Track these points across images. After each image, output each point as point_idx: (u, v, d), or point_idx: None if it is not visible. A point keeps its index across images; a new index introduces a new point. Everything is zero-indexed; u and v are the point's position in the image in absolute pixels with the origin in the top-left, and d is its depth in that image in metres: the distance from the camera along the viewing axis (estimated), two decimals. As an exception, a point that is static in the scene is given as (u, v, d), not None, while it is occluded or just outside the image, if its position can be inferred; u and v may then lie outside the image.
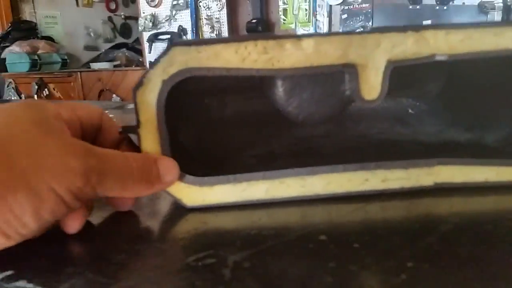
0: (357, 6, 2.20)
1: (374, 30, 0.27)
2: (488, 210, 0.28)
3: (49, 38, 3.42)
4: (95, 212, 0.29)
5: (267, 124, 0.39)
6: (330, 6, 2.25)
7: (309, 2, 2.25)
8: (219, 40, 0.26)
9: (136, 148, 0.28)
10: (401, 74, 0.30)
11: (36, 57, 3.11)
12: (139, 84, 0.26)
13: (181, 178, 0.28)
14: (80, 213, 0.25)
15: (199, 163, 0.32)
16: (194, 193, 0.28)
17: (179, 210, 0.29)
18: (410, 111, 0.45)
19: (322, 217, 0.27)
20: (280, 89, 0.29)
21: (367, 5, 2.17)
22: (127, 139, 0.28)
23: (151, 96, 0.27)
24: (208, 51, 0.26)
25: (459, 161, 0.30)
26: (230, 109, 0.40)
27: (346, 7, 2.22)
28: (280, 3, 2.34)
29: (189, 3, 2.55)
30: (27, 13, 3.39)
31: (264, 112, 0.38)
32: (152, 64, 0.26)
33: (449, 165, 0.30)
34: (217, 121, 0.39)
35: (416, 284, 0.19)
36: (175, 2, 2.62)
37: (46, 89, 3.07)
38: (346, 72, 0.28)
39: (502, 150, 0.33)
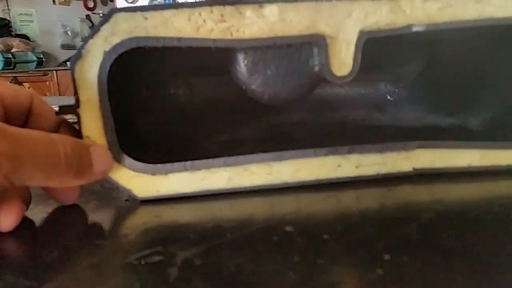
0: None
1: (345, -3, 0.24)
2: (473, 196, 0.25)
3: (24, 36, 3.32)
4: (37, 205, 0.25)
5: (237, 111, 0.36)
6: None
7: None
8: (168, 5, 0.23)
9: (77, 133, 0.24)
10: (377, 52, 0.27)
11: (10, 56, 3.01)
12: (77, 56, 0.23)
13: (129, 165, 0.24)
14: (13, 208, 0.22)
15: (156, 151, 0.29)
16: (146, 183, 0.25)
17: (131, 203, 0.26)
18: (388, 97, 0.43)
19: (290, 207, 0.24)
20: (242, 65, 0.25)
21: None
22: (65, 123, 0.25)
23: (92, 71, 0.23)
24: (156, 17, 0.23)
25: (440, 144, 0.27)
26: (198, 94, 0.37)
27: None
28: None
29: (167, -1, 2.50)
30: (0, 10, 3.28)
31: (234, 98, 0.35)
32: (92, 33, 0.23)
33: (429, 148, 0.27)
34: (183, 106, 0.36)
35: (394, 280, 0.16)
36: (153, -1, 2.56)
37: (21, 89, 2.97)
38: (314, 44, 0.25)
39: (486, 133, 0.30)
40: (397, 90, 0.43)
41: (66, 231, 0.23)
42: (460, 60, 0.35)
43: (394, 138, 0.31)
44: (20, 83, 2.91)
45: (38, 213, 0.25)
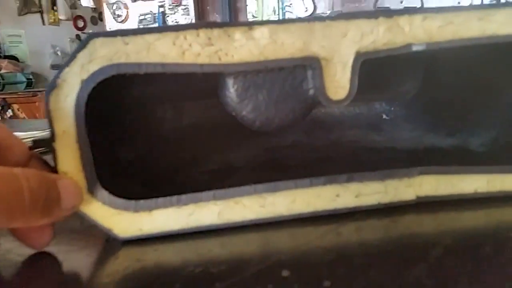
0: (326, 18, 2.20)
1: (340, 17, 0.23)
2: (483, 226, 0.23)
3: (13, 57, 3.30)
4: (13, 248, 0.23)
5: (228, 135, 0.34)
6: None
7: (278, 14, 2.24)
8: (151, 29, 0.21)
9: (49, 168, 0.22)
10: (372, 71, 0.26)
11: (-1, 77, 2.99)
12: (52, 86, 0.21)
13: (110, 203, 0.22)
14: None
15: (139, 183, 0.27)
16: (128, 221, 0.23)
17: (112, 244, 0.23)
18: (384, 117, 0.42)
19: (286, 245, 0.22)
20: (231, 90, 0.24)
21: (336, 17, 2.18)
22: (36, 156, 0.23)
23: (68, 101, 0.21)
24: (138, 42, 0.21)
25: (444, 170, 0.26)
26: (186, 119, 0.35)
27: (316, 20, 2.22)
28: (250, 16, 2.32)
29: (157, 18, 2.50)
30: (-12, 32, 3.26)
31: (225, 122, 0.33)
32: (68, 61, 0.21)
33: (432, 174, 0.26)
34: (170, 132, 0.34)
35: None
36: (142, 17, 2.56)
37: (10, 110, 2.94)
38: (308, 67, 0.23)
39: (491, 155, 0.29)
40: (393, 108, 0.41)
41: (40, 281, 0.20)
42: (459, 77, 0.34)
43: (393, 161, 0.29)
44: (10, 105, 2.88)
45: (11, 257, 0.22)
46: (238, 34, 0.22)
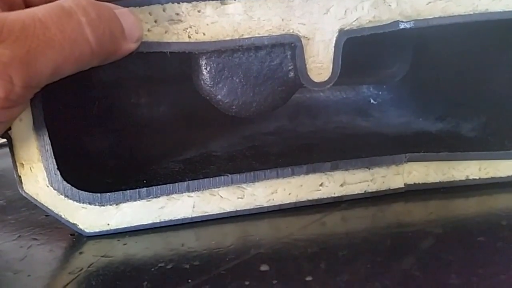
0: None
1: (322, -9, 0.21)
2: (475, 215, 0.22)
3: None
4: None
5: (206, 121, 0.33)
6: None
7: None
8: (114, 4, 0.19)
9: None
10: (357, 51, 0.24)
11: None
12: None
13: (73, 196, 0.21)
14: None
15: (110, 176, 0.25)
16: (94, 216, 0.21)
17: (76, 238, 0.22)
18: (372, 101, 0.40)
19: (266, 237, 0.21)
20: (204, 72, 0.22)
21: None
22: None
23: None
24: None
25: (434, 156, 0.24)
26: (162, 104, 0.33)
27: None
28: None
29: None
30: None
31: (203, 107, 0.31)
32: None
33: (421, 161, 0.24)
34: (144, 119, 0.32)
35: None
36: None
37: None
38: (288, 46, 0.22)
39: (482, 141, 0.27)
40: (381, 93, 0.40)
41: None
42: (449, 58, 0.32)
43: (381, 148, 0.28)
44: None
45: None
46: (209, 9, 0.20)
